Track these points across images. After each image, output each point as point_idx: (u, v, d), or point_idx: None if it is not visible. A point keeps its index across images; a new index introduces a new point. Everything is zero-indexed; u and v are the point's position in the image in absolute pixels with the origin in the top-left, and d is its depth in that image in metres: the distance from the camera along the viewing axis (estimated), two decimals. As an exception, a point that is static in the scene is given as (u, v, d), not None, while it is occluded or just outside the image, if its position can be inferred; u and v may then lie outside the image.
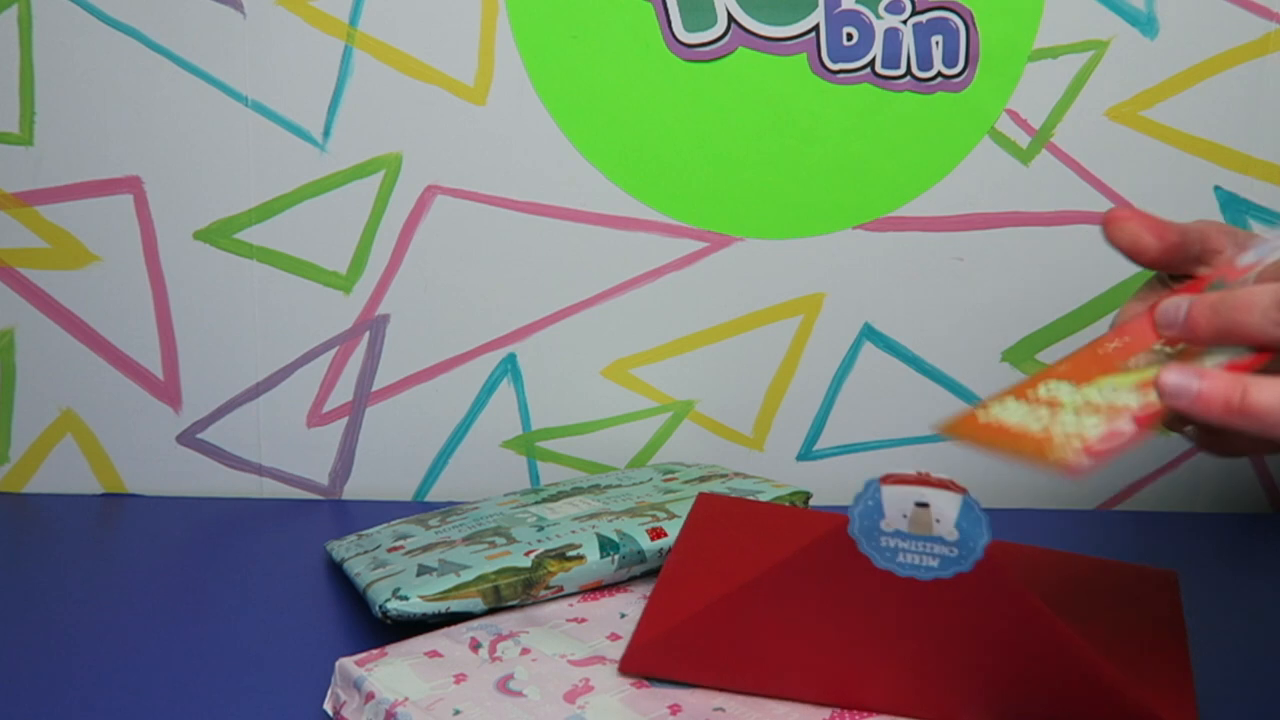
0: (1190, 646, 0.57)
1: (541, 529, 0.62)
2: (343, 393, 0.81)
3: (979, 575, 0.45)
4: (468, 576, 0.56)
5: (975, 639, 0.46)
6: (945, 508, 0.45)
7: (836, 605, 0.47)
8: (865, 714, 0.48)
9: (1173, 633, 0.52)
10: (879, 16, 0.76)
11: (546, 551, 0.58)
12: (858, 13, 0.76)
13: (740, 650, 0.49)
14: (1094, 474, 0.47)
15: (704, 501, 0.61)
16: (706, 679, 0.49)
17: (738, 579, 0.49)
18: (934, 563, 0.45)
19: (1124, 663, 0.46)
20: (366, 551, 0.64)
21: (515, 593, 0.56)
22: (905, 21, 0.76)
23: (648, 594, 0.56)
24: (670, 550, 0.57)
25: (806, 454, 0.83)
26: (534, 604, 0.58)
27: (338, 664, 0.51)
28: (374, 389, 0.81)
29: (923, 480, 0.45)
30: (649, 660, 0.49)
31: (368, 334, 0.80)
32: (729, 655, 0.49)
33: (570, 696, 0.48)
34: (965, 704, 0.47)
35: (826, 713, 0.47)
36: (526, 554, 0.58)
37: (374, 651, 0.51)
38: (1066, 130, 0.78)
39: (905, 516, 0.45)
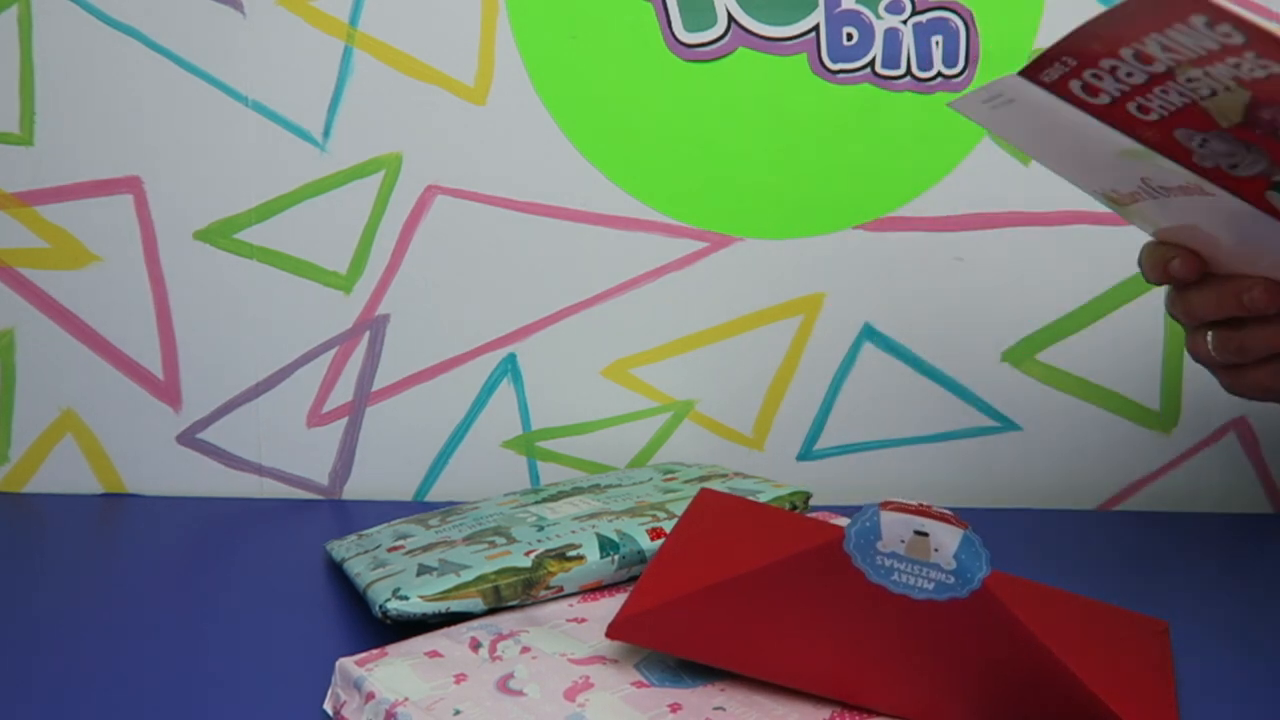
0: (1182, 660, 0.57)
1: (541, 529, 0.62)
2: (343, 393, 0.81)
3: (972, 599, 0.45)
4: (468, 576, 0.56)
5: (964, 657, 0.46)
6: (945, 539, 0.44)
7: (827, 610, 0.47)
8: (866, 715, 0.48)
9: (1162, 679, 0.52)
10: (879, 16, 0.76)
11: (546, 551, 0.58)
12: (858, 13, 0.76)
13: (728, 634, 0.49)
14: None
15: (704, 496, 0.61)
16: (692, 654, 0.49)
17: (731, 571, 0.49)
18: (929, 585, 0.45)
19: (1111, 696, 0.46)
20: (366, 551, 0.64)
21: (515, 593, 0.56)
22: (905, 21, 0.76)
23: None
24: (668, 536, 0.57)
25: (806, 454, 0.83)
26: (534, 604, 0.58)
27: (338, 664, 0.51)
28: (374, 389, 0.81)
29: (923, 511, 0.44)
30: (636, 630, 0.49)
31: (368, 334, 0.80)
32: (717, 637, 0.49)
33: (570, 694, 0.48)
34: (948, 714, 0.47)
35: (826, 712, 0.47)
36: (526, 554, 0.58)
37: (374, 651, 0.51)
38: (1066, 130, 0.78)
39: (903, 542, 0.45)
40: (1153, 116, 0.42)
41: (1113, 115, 0.43)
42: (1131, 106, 0.42)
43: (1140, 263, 0.55)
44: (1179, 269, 0.52)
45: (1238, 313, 0.51)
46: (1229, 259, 0.52)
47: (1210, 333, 0.53)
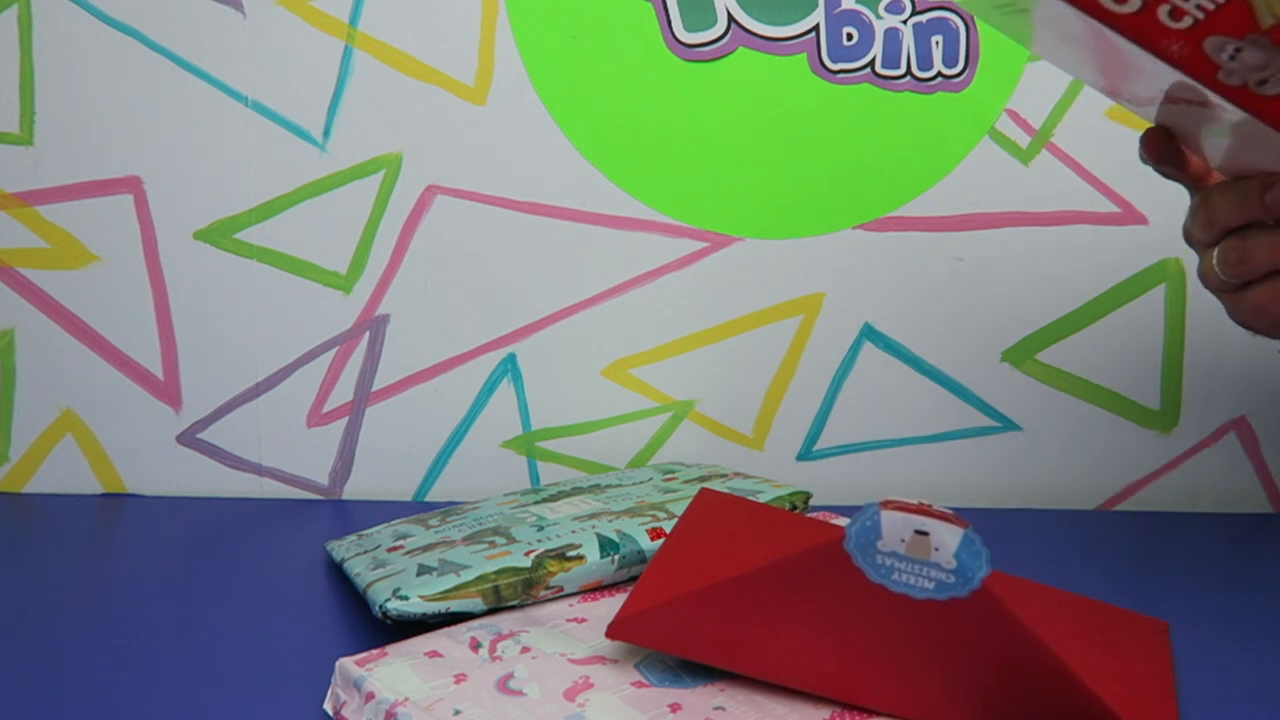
0: (1182, 660, 0.57)
1: (541, 529, 0.62)
2: (343, 393, 0.81)
3: (972, 599, 0.45)
4: (468, 576, 0.56)
5: (964, 657, 0.46)
6: (945, 538, 0.44)
7: (827, 610, 0.47)
8: (866, 715, 0.48)
9: (1161, 678, 0.52)
10: (879, 16, 0.76)
11: (546, 551, 0.58)
12: (858, 13, 0.76)
13: (728, 634, 0.49)
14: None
15: (704, 496, 0.61)
16: (692, 654, 0.49)
17: (731, 571, 0.49)
18: (929, 585, 0.45)
19: (1111, 696, 0.46)
20: (366, 551, 0.64)
21: (515, 593, 0.56)
22: (905, 21, 0.76)
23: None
24: (668, 536, 0.57)
25: (806, 454, 0.83)
26: (534, 604, 0.58)
27: (338, 664, 0.51)
28: (374, 389, 0.81)
29: (924, 510, 0.44)
30: (636, 630, 0.49)
31: (368, 334, 0.80)
32: (717, 637, 0.49)
33: (570, 694, 0.48)
34: (948, 714, 0.47)
35: (827, 713, 0.47)
36: (526, 554, 0.58)
37: (374, 651, 0.51)
38: (1066, 130, 0.78)
39: (903, 541, 0.45)
40: (1185, 22, 0.40)
41: (1139, 25, 0.40)
42: (1163, 11, 0.40)
43: (1141, 144, 0.54)
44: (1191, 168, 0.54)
45: (1258, 214, 0.50)
46: (1237, 163, 0.51)
47: (1216, 250, 0.52)
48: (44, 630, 0.59)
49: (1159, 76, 0.45)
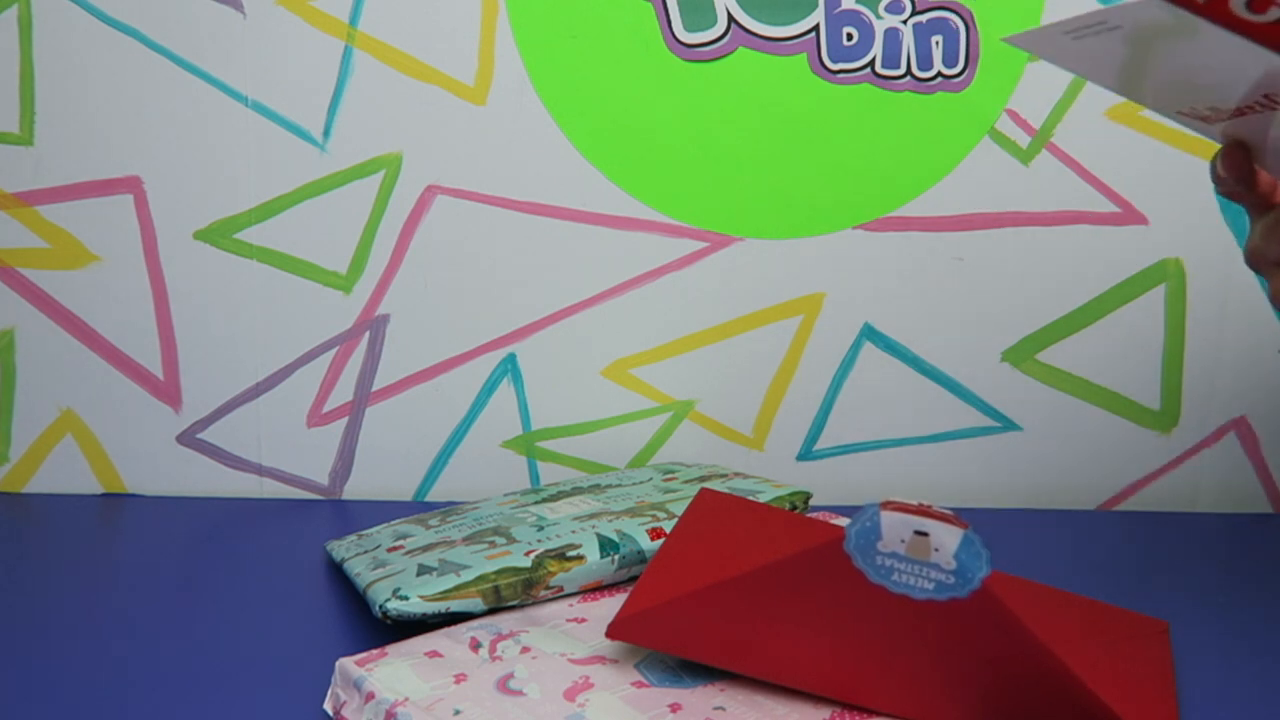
0: (1182, 660, 0.57)
1: (541, 529, 0.62)
2: (343, 393, 0.81)
3: (972, 599, 0.45)
4: (468, 576, 0.56)
5: (964, 657, 0.46)
6: (945, 539, 0.44)
7: (827, 610, 0.47)
8: (866, 715, 0.48)
9: (1162, 679, 0.52)
10: (879, 16, 0.76)
11: (546, 551, 0.58)
12: (858, 13, 0.76)
13: (728, 634, 0.49)
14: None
15: (705, 496, 0.61)
16: (692, 654, 0.49)
17: (731, 571, 0.49)
18: (929, 585, 0.45)
19: (1111, 696, 0.46)
20: (366, 551, 0.64)
21: (515, 593, 0.56)
22: (905, 21, 0.76)
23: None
24: (668, 536, 0.57)
25: (806, 454, 0.83)
26: (534, 604, 0.58)
27: (338, 664, 0.51)
28: (374, 389, 0.81)
29: (924, 511, 0.44)
30: (636, 630, 0.49)
31: (368, 334, 0.80)
32: (717, 637, 0.49)
33: (570, 694, 0.48)
34: (949, 714, 0.47)
35: (826, 713, 0.47)
36: (526, 554, 0.58)
37: (374, 651, 0.51)
38: (1066, 130, 0.78)
39: (903, 542, 0.45)
40: None
41: (1275, 34, 0.39)
42: None
43: (1218, 161, 0.53)
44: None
45: None
46: None
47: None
48: (44, 630, 0.59)
49: (1264, 83, 0.44)
